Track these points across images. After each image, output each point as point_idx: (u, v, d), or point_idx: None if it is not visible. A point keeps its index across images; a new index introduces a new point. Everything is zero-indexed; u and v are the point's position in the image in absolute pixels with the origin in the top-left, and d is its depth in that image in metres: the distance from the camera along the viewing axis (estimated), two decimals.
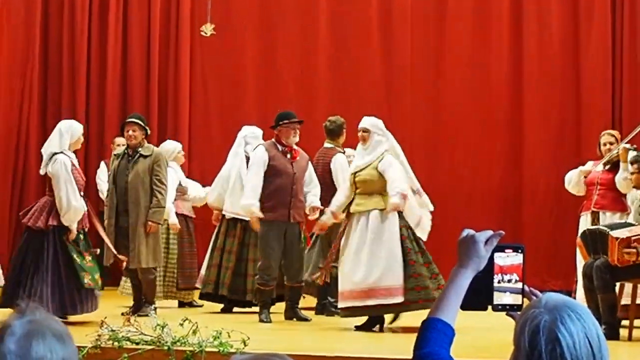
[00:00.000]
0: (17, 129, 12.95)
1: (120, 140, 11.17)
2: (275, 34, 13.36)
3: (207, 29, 10.57)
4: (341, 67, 13.26)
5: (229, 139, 10.98)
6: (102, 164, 12.31)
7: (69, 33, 13.28)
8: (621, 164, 9.06)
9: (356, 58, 13.20)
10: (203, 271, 10.46)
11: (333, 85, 13.20)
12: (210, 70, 13.47)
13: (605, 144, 9.40)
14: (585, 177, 9.50)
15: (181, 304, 10.67)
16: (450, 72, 13.14)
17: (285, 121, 9.45)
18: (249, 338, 6.82)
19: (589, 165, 9.61)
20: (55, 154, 8.79)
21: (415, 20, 13.17)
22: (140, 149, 9.53)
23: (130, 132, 9.55)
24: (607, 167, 9.33)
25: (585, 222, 9.35)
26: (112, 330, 7.00)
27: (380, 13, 13.24)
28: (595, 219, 9.28)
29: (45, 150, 8.91)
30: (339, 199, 9.01)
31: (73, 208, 8.63)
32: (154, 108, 13.26)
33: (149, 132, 9.74)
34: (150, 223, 9.36)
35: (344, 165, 9.72)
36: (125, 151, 9.59)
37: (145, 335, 6.97)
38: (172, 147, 10.86)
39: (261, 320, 9.12)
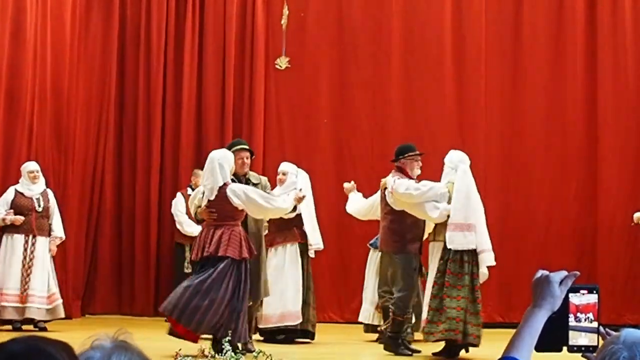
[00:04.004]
0: (92, 166, 13.07)
1: (200, 172, 10.63)
2: (348, 68, 13.37)
3: (282, 62, 10.64)
4: (414, 101, 13.22)
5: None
6: (179, 194, 12.37)
7: (144, 69, 13.43)
8: None
9: (429, 92, 13.17)
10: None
11: (406, 120, 13.13)
12: (285, 103, 13.49)
13: None
14: None
15: None
16: (524, 107, 13.04)
17: (411, 154, 9.44)
18: None
19: None
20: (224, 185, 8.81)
21: (489, 55, 13.11)
22: (249, 176, 9.41)
23: (245, 159, 9.40)
24: None
25: None
26: None
27: (453, 47, 13.19)
28: None
29: (210, 185, 8.87)
30: None
31: (275, 207, 8.99)
32: (228, 141, 13.30)
33: (254, 155, 9.71)
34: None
35: None
36: (234, 179, 9.12)
37: None
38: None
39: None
